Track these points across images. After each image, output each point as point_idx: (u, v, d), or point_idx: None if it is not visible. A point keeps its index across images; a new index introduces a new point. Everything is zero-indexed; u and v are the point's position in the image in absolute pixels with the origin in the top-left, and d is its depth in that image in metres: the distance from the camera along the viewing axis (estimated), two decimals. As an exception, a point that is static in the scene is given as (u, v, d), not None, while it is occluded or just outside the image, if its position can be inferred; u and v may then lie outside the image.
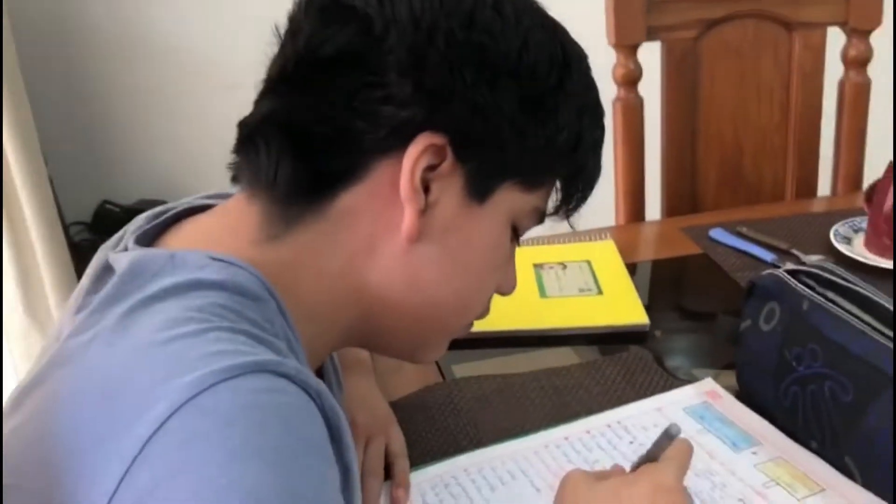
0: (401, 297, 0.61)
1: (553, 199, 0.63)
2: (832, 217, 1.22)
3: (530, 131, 0.58)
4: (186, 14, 2.21)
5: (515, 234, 0.64)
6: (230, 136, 0.60)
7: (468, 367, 0.93)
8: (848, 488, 0.71)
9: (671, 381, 0.88)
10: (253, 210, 0.58)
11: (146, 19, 2.22)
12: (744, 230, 1.21)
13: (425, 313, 0.62)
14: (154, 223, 0.60)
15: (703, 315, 1.08)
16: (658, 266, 1.19)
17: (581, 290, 1.06)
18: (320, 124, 0.56)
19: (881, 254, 1.11)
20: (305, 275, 0.58)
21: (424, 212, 0.57)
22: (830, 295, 0.77)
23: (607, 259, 1.13)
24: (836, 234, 1.17)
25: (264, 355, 0.48)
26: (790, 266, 0.82)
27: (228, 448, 0.43)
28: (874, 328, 0.72)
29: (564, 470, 0.75)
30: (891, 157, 1.12)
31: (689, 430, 0.79)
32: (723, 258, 1.16)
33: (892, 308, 0.73)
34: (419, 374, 0.92)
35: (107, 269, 0.57)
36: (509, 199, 0.60)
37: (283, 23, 0.59)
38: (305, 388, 0.48)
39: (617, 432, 0.80)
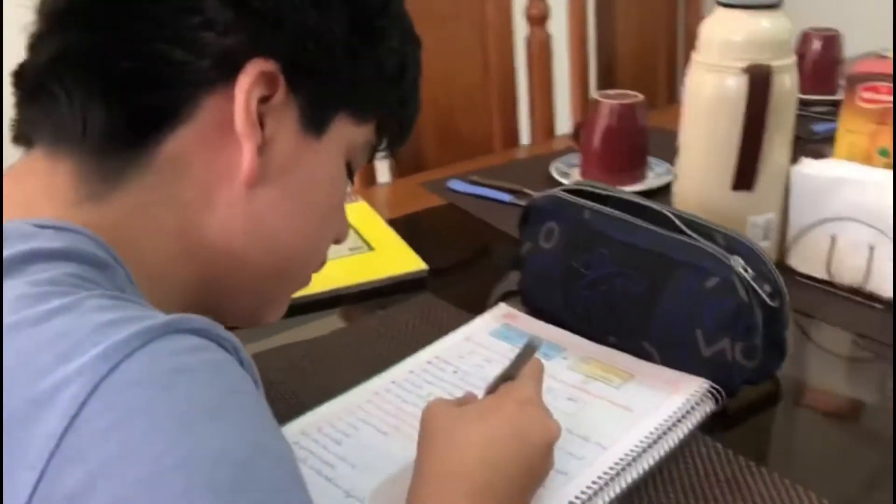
0: (244, 249, 0.57)
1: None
2: (545, 159, 1.35)
3: (361, 55, 0.57)
4: None
5: (349, 173, 0.63)
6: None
7: (259, 345, 0.90)
8: (653, 370, 0.79)
9: (465, 315, 0.92)
10: (61, 169, 0.51)
11: None
12: (476, 178, 1.29)
13: (270, 264, 0.59)
14: None
15: (466, 256, 1.14)
16: (409, 221, 1.22)
17: (352, 250, 1.06)
18: (131, 58, 0.50)
19: (597, 180, 1.25)
20: (139, 236, 0.52)
21: (261, 150, 0.54)
22: (605, 207, 0.86)
23: (366, 218, 1.14)
24: (556, 171, 1.29)
25: (164, 316, 0.42)
26: (563, 186, 0.90)
27: (176, 414, 0.38)
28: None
29: (403, 411, 0.76)
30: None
31: (500, 349, 0.84)
32: (466, 204, 1.23)
33: (663, 211, 0.82)
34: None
35: None
36: (344, 133, 0.59)
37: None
38: (219, 342, 0.44)
39: (438, 366, 0.82)
